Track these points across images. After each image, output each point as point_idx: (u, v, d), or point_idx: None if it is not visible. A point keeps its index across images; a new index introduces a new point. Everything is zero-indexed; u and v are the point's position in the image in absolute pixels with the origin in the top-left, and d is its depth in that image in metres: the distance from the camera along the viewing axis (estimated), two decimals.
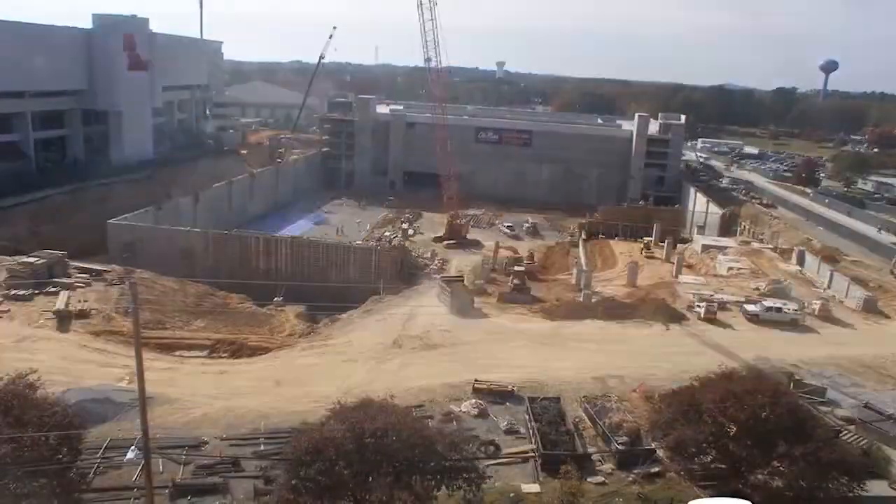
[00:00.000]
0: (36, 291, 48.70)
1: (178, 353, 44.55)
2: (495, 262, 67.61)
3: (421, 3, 78.17)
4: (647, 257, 76.76)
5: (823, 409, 36.07)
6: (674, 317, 52.02)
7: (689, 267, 70.89)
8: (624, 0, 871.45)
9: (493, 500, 27.52)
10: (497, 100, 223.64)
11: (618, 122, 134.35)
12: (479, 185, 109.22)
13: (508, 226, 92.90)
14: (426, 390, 37.35)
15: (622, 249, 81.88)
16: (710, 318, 51.71)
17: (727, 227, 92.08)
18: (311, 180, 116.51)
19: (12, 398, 23.81)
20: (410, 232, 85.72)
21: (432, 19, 78.83)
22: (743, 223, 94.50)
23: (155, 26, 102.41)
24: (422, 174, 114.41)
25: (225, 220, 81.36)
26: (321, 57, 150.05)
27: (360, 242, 75.97)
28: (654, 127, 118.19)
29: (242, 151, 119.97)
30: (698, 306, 53.24)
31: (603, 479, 29.98)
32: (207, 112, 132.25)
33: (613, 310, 52.91)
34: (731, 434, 27.23)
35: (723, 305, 54.66)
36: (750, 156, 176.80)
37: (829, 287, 62.22)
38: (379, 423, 23.43)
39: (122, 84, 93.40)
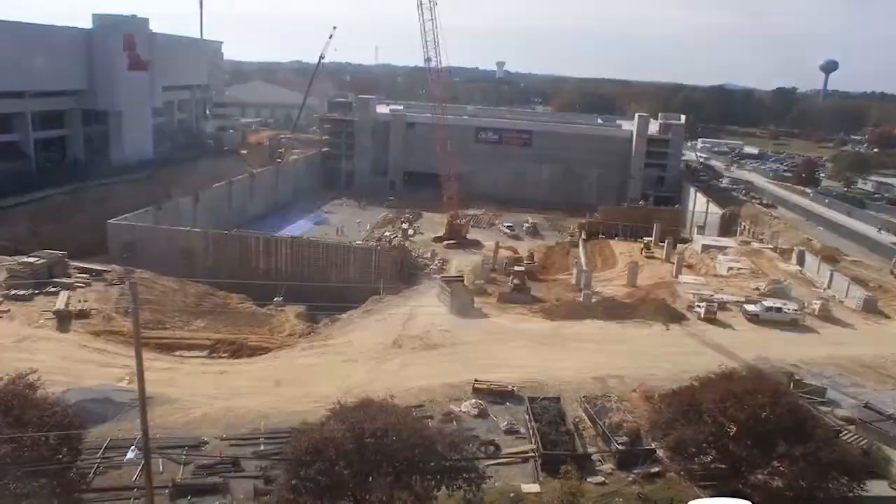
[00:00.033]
0: (36, 291, 48.70)
1: (178, 353, 44.55)
2: (495, 263, 67.61)
3: (421, 3, 78.24)
4: (647, 257, 76.79)
5: (823, 409, 36.07)
6: (674, 317, 51.99)
7: (689, 267, 70.87)
8: (624, 0, 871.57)
9: (493, 500, 27.52)
10: (497, 100, 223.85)
11: (618, 122, 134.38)
12: (479, 185, 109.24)
13: (508, 226, 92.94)
14: (426, 390, 37.35)
15: (622, 249, 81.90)
16: (710, 318, 51.67)
17: (727, 227, 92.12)
18: (311, 180, 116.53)
19: (12, 398, 23.82)
20: (410, 232, 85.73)
21: (432, 19, 78.92)
22: (743, 223, 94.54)
23: (155, 26, 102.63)
24: (422, 174, 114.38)
25: (225, 220, 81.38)
26: (321, 57, 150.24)
27: (360, 242, 75.98)
28: (654, 127, 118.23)
29: (242, 151, 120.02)
30: (698, 306, 53.23)
31: (603, 479, 29.99)
32: (207, 112, 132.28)
33: (613, 310, 52.89)
34: (731, 434, 27.24)
35: (723, 305, 54.66)
36: (750, 156, 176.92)
37: (829, 287, 62.22)
38: (379, 423, 23.44)
39: (122, 84, 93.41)
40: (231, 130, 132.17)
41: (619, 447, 31.55)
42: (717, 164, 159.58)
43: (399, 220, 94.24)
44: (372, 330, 48.47)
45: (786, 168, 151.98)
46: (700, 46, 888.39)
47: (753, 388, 27.92)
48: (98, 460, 28.72)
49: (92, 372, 38.24)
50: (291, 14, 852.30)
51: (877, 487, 29.06)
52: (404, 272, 63.80)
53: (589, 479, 29.55)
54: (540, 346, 45.84)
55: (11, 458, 21.48)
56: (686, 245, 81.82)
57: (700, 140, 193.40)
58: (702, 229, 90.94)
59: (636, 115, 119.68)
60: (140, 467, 27.13)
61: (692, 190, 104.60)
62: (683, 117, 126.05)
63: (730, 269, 67.83)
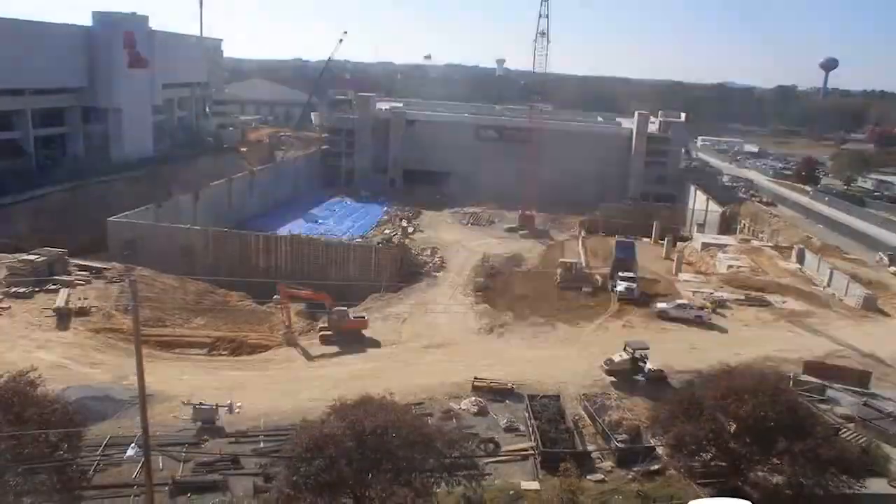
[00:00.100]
0: (36, 289, 48.75)
1: (177, 350, 44.64)
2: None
3: None
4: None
5: (823, 406, 36.14)
6: None
7: (689, 264, 71.03)
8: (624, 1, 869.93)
9: (492, 498, 27.58)
10: (497, 97, 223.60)
11: (618, 119, 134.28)
12: (480, 183, 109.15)
13: (510, 227, 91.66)
14: (426, 388, 37.42)
15: None
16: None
17: (727, 225, 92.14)
18: (311, 178, 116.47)
19: (13, 395, 23.87)
20: (410, 230, 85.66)
21: None
22: (743, 221, 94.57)
23: (154, 24, 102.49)
24: (422, 172, 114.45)
25: (225, 217, 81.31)
26: (329, 59, 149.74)
27: (359, 240, 75.96)
28: (654, 125, 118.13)
29: (242, 149, 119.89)
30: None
31: (602, 476, 30.06)
32: (207, 110, 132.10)
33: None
34: (731, 431, 27.30)
35: (722, 303, 54.92)
36: (750, 153, 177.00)
37: (828, 285, 62.26)
38: (379, 421, 23.50)
39: (122, 82, 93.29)
40: (231, 128, 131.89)
41: (619, 445, 31.63)
42: (716, 161, 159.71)
43: (399, 217, 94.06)
44: (372, 328, 48.38)
45: (782, 166, 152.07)
46: (700, 44, 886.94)
47: (753, 386, 27.97)
48: (98, 457, 28.80)
49: (92, 369, 38.35)
50: (292, 12, 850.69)
51: (876, 485, 29.12)
52: (404, 270, 63.79)
53: (588, 477, 29.63)
54: (540, 343, 45.86)
55: (12, 454, 21.52)
56: (686, 243, 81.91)
57: (700, 138, 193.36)
58: (702, 227, 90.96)
59: (636, 113, 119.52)
60: (140, 464, 27.21)
61: (692, 188, 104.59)
62: (684, 115, 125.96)
63: (729, 266, 67.88)
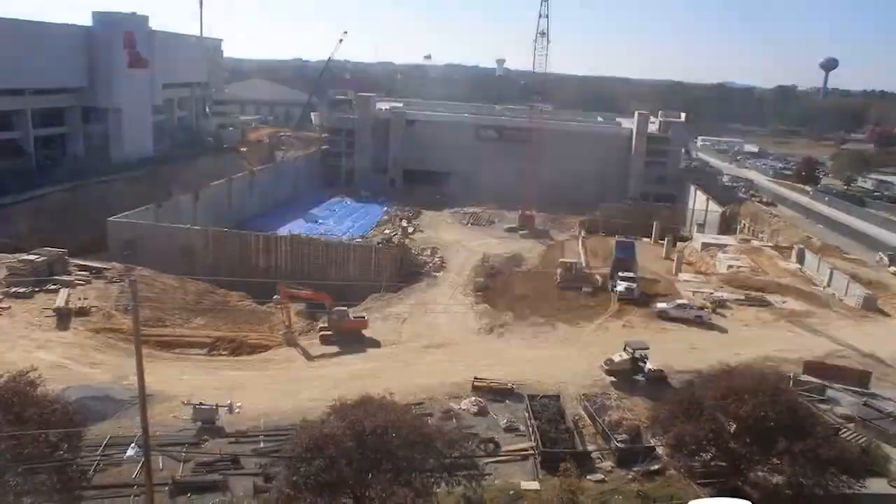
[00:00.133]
0: (36, 289, 48.74)
1: (177, 350, 44.64)
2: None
3: None
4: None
5: (823, 406, 36.14)
6: None
7: (690, 264, 71.07)
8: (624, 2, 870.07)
9: (492, 498, 27.58)
10: (497, 97, 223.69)
11: (618, 119, 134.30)
12: (480, 183, 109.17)
13: (510, 227, 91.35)
14: (427, 388, 37.42)
15: None
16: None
17: (727, 225, 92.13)
18: (311, 178, 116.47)
19: (13, 395, 23.87)
20: (410, 230, 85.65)
21: None
22: (743, 221, 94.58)
23: (154, 24, 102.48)
24: (422, 172, 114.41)
25: (225, 217, 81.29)
26: (328, 60, 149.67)
27: (359, 240, 75.95)
28: (654, 125, 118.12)
29: (242, 149, 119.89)
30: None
31: (602, 476, 30.06)
32: (207, 110, 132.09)
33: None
34: (731, 431, 27.30)
35: (722, 303, 54.93)
36: (750, 154, 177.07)
37: (828, 285, 62.26)
38: (379, 421, 23.51)
39: (122, 82, 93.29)
40: (231, 128, 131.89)
41: (619, 445, 31.62)
42: (717, 161, 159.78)
43: (399, 217, 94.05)
44: (373, 328, 48.39)
45: (782, 166, 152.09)
46: (700, 44, 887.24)
47: (753, 386, 27.98)
48: (98, 457, 28.79)
49: (92, 369, 38.35)
50: (292, 11, 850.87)
51: (876, 485, 29.13)
52: (404, 270, 63.80)
53: (588, 477, 29.64)
54: (540, 344, 45.88)
55: (12, 454, 21.52)
56: (686, 243, 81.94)
57: (700, 138, 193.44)
58: (702, 227, 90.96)
59: (636, 113, 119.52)
60: (140, 464, 27.20)
61: (692, 188, 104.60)
62: (683, 115, 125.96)
63: (729, 266, 67.89)
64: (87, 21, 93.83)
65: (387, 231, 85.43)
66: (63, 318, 44.93)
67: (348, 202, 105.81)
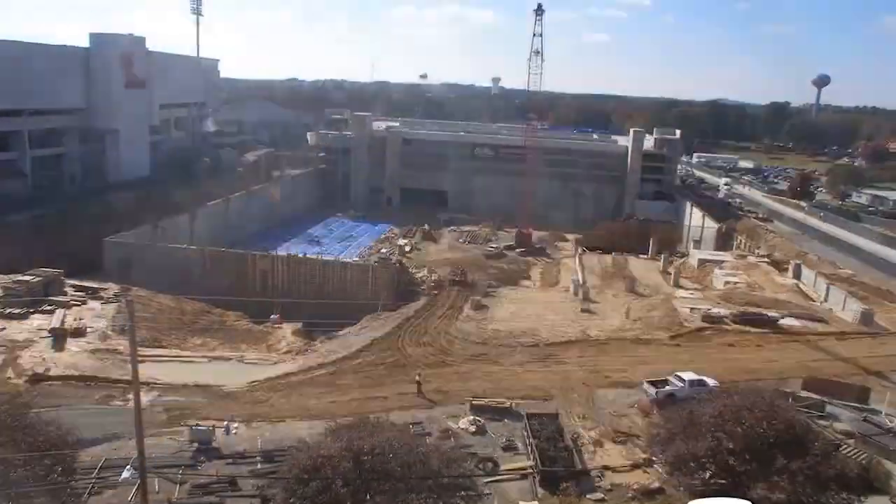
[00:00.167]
0: (31, 310, 48.55)
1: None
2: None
3: None
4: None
5: (822, 423, 35.98)
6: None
7: (688, 278, 71.30)
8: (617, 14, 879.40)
9: None
10: (493, 115, 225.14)
11: (613, 137, 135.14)
12: (476, 201, 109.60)
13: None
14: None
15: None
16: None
17: (723, 241, 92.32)
18: (308, 197, 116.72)
19: (6, 417, 23.70)
20: (407, 248, 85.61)
21: None
22: (739, 237, 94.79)
23: (151, 45, 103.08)
24: (418, 190, 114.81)
25: (221, 237, 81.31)
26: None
27: (356, 259, 75.89)
28: (649, 142, 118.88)
29: (238, 169, 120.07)
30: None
31: (602, 495, 29.81)
32: (204, 129, 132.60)
33: None
34: (730, 449, 27.17)
35: (719, 319, 54.78)
36: (745, 170, 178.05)
37: (825, 300, 62.28)
38: (375, 441, 23.38)
39: (120, 102, 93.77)
40: (228, 148, 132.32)
41: None
42: (711, 178, 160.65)
43: (396, 236, 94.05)
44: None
45: (777, 182, 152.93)
46: (694, 61, 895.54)
47: (751, 403, 27.92)
48: (93, 480, 28.47)
49: (86, 389, 38.11)
50: (287, 33, 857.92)
51: (877, 502, 28.93)
52: (401, 288, 63.69)
53: (588, 496, 29.40)
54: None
55: (5, 478, 21.32)
56: (682, 259, 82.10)
57: (695, 155, 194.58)
58: (698, 243, 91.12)
59: (631, 131, 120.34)
60: (136, 487, 26.90)
61: (688, 204, 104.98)
62: (679, 132, 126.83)
63: (726, 283, 67.94)
64: (84, 42, 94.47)
65: (384, 250, 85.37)
66: (59, 338, 44.70)
67: (345, 221, 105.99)
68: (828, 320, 56.29)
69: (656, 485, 29.96)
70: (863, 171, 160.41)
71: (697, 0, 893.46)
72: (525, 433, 33.75)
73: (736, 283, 67.80)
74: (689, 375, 38.46)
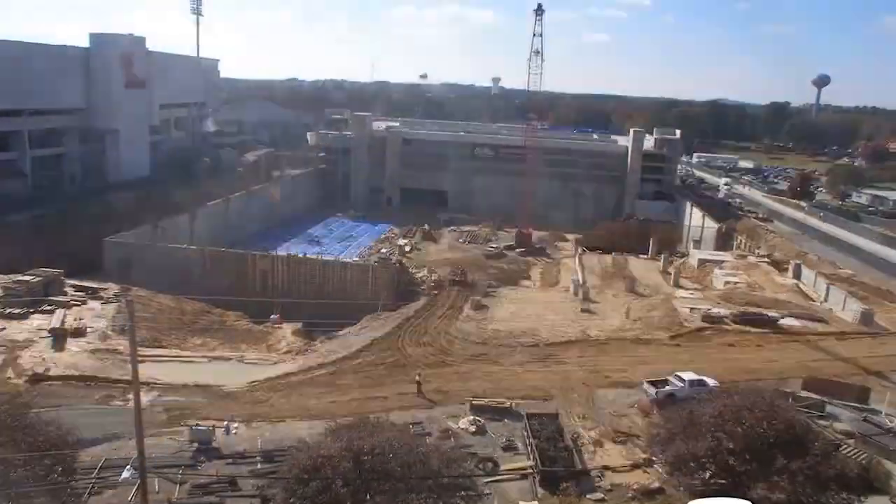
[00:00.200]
0: (31, 310, 48.54)
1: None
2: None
3: None
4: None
5: (822, 423, 35.97)
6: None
7: (687, 278, 71.29)
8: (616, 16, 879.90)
9: None
10: (493, 116, 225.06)
11: (613, 137, 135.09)
12: (476, 201, 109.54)
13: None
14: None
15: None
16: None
17: (723, 241, 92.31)
18: (309, 197, 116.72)
19: (6, 417, 23.70)
20: (407, 248, 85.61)
21: None
22: (739, 237, 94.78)
23: (151, 45, 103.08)
24: (418, 190, 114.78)
25: (221, 237, 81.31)
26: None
27: (356, 259, 75.88)
28: (649, 142, 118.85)
29: (239, 169, 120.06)
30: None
31: (602, 495, 29.80)
32: (204, 129, 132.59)
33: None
34: (730, 449, 27.17)
35: (719, 319, 54.78)
36: (745, 170, 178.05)
37: (825, 300, 62.26)
38: (375, 441, 23.38)
39: (120, 102, 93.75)
40: (227, 148, 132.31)
41: None
42: (712, 178, 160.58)
43: (396, 236, 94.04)
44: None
45: (777, 182, 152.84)
46: (695, 61, 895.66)
47: (751, 403, 27.91)
48: (93, 480, 28.46)
49: (87, 390, 38.10)
50: (287, 33, 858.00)
51: (877, 502, 28.92)
52: (401, 289, 63.69)
53: (588, 496, 29.39)
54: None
55: (4, 478, 21.31)
56: (682, 259, 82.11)
57: (695, 155, 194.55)
58: (698, 243, 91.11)
59: (631, 131, 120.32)
60: (136, 487, 26.90)
61: (688, 204, 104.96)
62: (679, 132, 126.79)
63: (726, 283, 67.93)
64: (84, 42, 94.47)
65: (384, 250, 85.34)
66: (59, 338, 44.70)
67: (345, 221, 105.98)
68: (828, 320, 56.30)
69: (656, 485, 29.97)
70: (863, 171, 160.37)
71: (697, 0, 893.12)
72: (525, 433, 33.74)
73: (736, 283, 67.80)
74: (689, 375, 38.57)
